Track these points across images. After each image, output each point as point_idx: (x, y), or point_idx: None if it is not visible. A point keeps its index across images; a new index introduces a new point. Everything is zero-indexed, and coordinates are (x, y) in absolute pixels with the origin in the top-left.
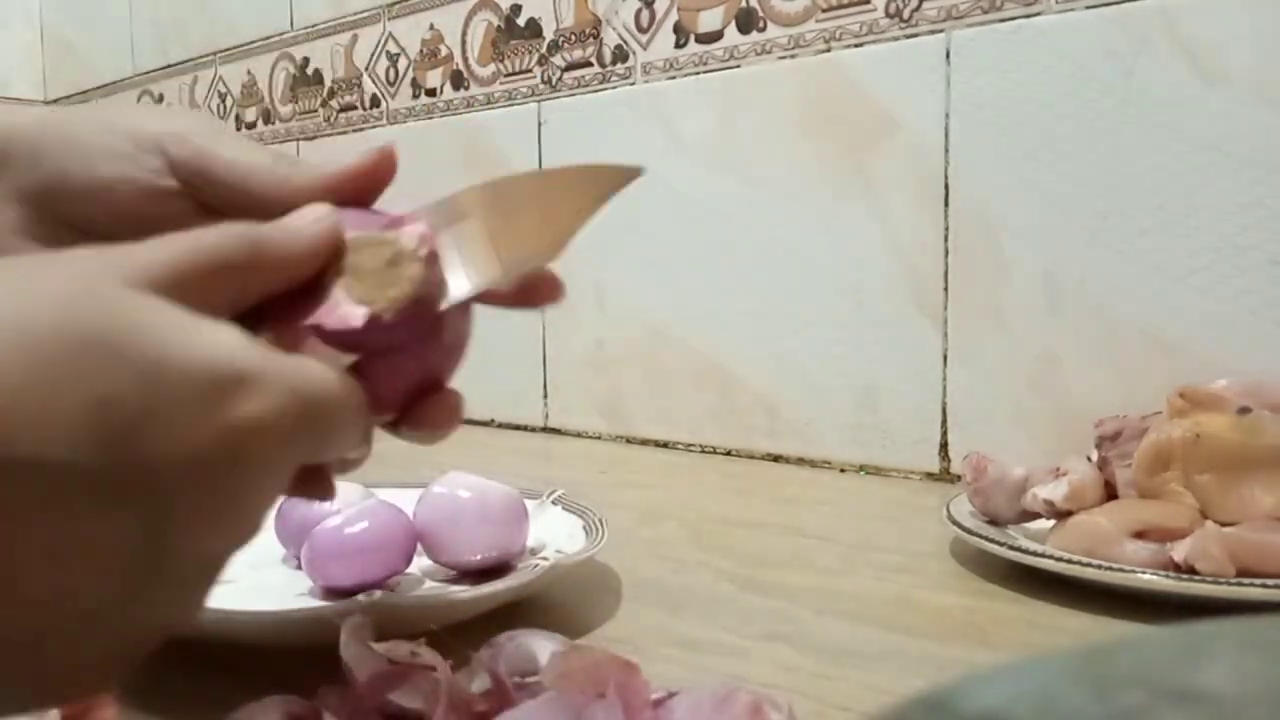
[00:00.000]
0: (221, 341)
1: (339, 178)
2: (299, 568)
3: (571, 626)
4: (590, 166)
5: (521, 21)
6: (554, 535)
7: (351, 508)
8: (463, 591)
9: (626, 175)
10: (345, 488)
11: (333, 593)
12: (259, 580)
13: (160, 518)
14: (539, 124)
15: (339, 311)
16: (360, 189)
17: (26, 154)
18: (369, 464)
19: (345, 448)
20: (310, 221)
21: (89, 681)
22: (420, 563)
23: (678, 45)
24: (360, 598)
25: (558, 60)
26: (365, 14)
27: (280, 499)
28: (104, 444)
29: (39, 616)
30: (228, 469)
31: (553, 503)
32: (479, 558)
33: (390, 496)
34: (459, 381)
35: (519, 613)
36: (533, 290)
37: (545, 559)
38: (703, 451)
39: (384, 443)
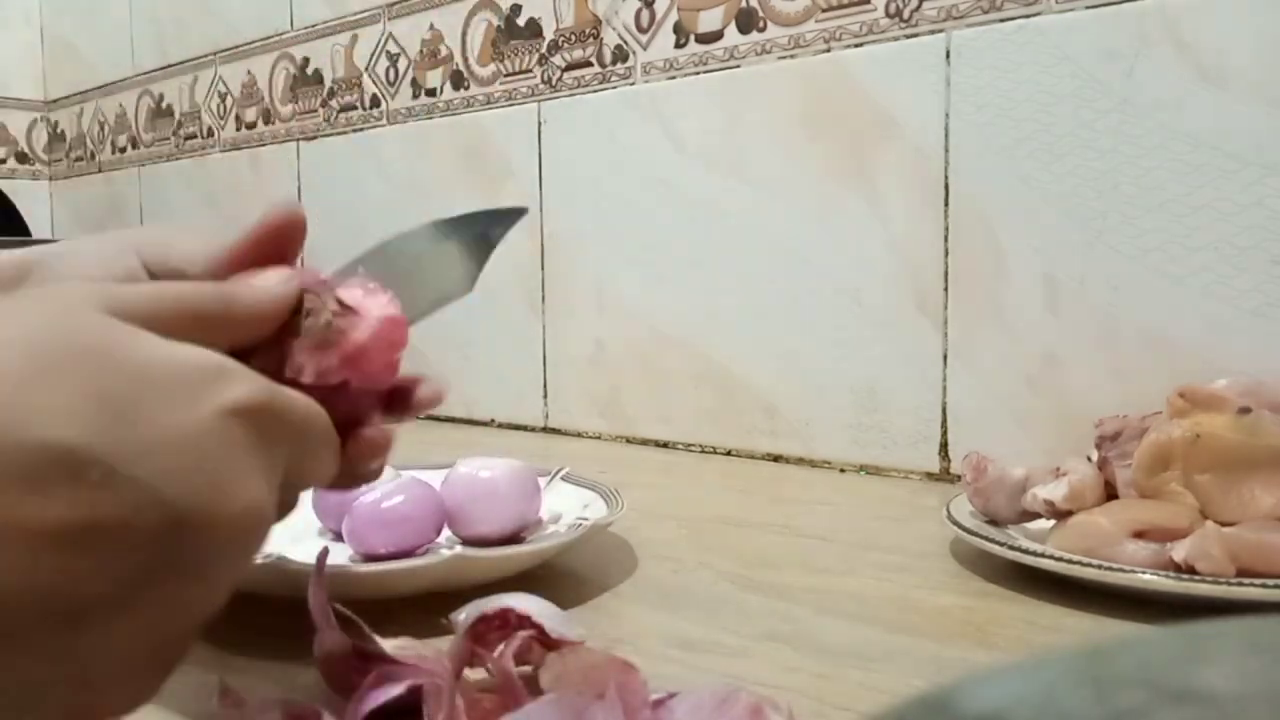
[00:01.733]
0: (197, 349)
1: (257, 240)
2: (336, 539)
3: (571, 627)
4: (480, 212)
5: (521, 21)
6: (569, 507)
7: (387, 483)
8: (508, 550)
9: (514, 216)
10: None
11: (371, 560)
12: (301, 552)
13: (163, 502)
14: (539, 124)
15: (294, 363)
16: (279, 246)
17: (40, 269)
18: (396, 448)
19: (319, 460)
20: (275, 283)
21: (124, 687)
22: (444, 534)
23: (678, 45)
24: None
25: (558, 60)
26: (365, 14)
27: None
28: (106, 427)
29: (62, 603)
30: (220, 451)
31: (562, 479)
32: (499, 530)
33: (417, 476)
34: (460, 381)
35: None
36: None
37: (580, 521)
38: (703, 451)
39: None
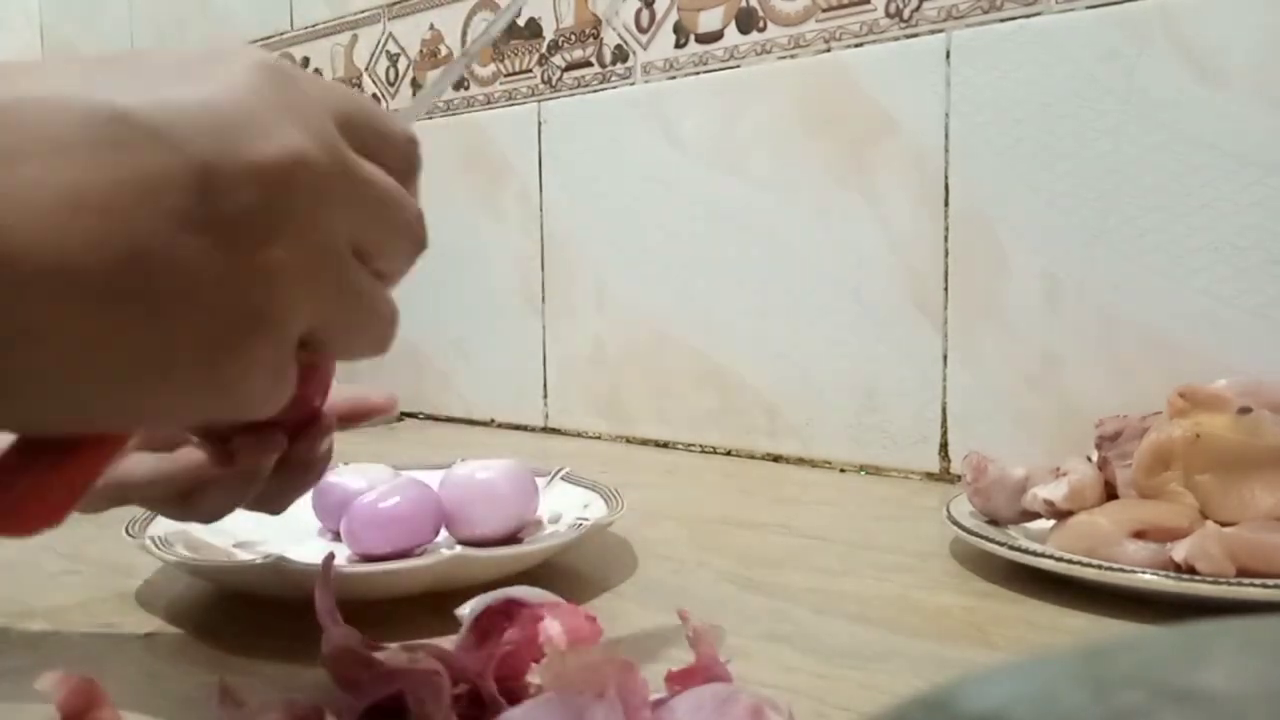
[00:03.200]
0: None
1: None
2: (335, 539)
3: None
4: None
5: (521, 21)
6: (569, 507)
7: (385, 484)
8: (508, 550)
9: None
10: (377, 468)
11: (369, 560)
12: (301, 551)
13: (187, 152)
14: (539, 124)
15: None
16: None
17: None
18: (394, 448)
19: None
20: None
21: (201, 368)
22: (442, 535)
23: (678, 45)
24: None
25: (558, 60)
26: (365, 14)
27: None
28: (144, 91)
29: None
30: (250, 100)
31: (562, 479)
32: (497, 530)
33: (416, 477)
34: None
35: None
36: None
37: (580, 522)
38: (703, 451)
39: (391, 439)
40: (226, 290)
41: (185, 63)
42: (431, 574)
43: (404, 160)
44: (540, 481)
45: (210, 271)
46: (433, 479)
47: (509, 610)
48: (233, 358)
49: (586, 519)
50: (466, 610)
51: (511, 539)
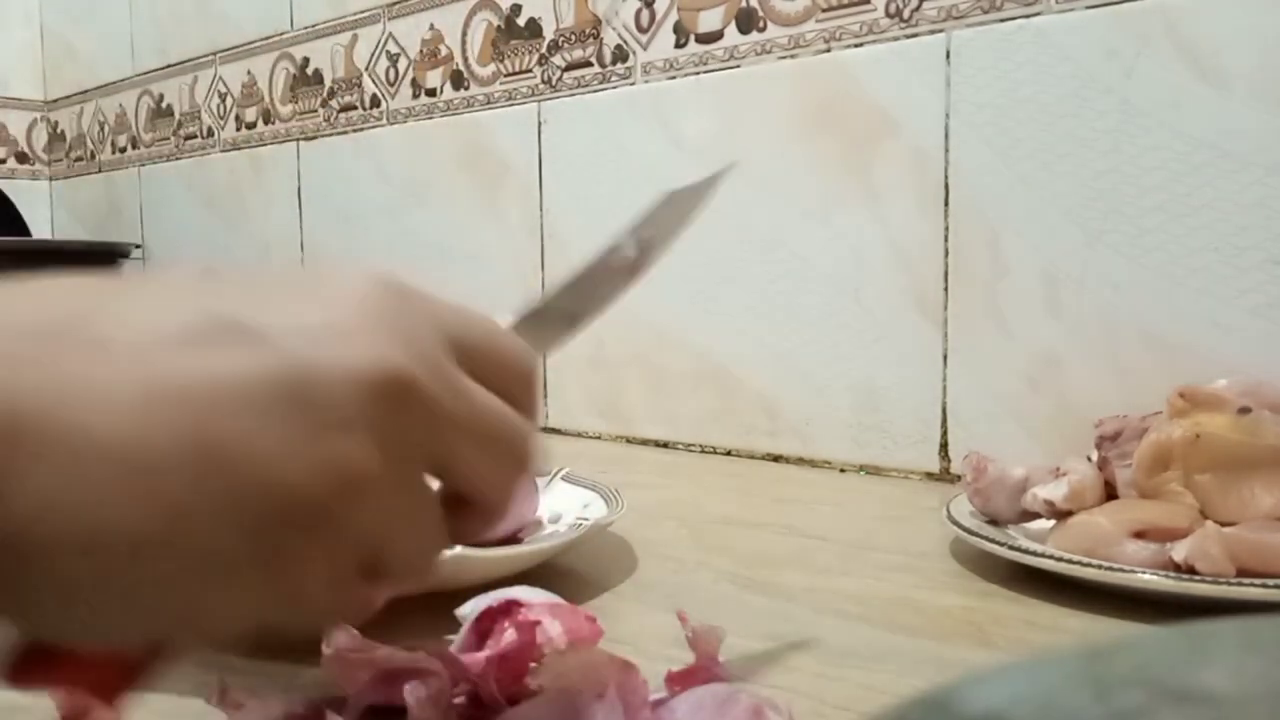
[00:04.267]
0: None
1: None
2: None
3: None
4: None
5: (521, 21)
6: (569, 507)
7: None
8: (508, 550)
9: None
10: None
11: None
12: None
13: (283, 350)
14: (539, 124)
15: None
16: None
17: None
18: None
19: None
20: None
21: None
22: None
23: (678, 45)
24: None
25: (558, 60)
26: (365, 14)
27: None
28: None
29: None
30: (357, 311)
31: (562, 479)
32: (496, 531)
33: None
34: None
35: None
36: None
37: (580, 522)
38: (703, 451)
39: None
40: (295, 484)
41: (298, 279)
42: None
43: (520, 386)
44: (540, 481)
45: (283, 466)
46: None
47: (509, 610)
48: (288, 557)
49: (587, 519)
50: (467, 610)
51: (511, 539)
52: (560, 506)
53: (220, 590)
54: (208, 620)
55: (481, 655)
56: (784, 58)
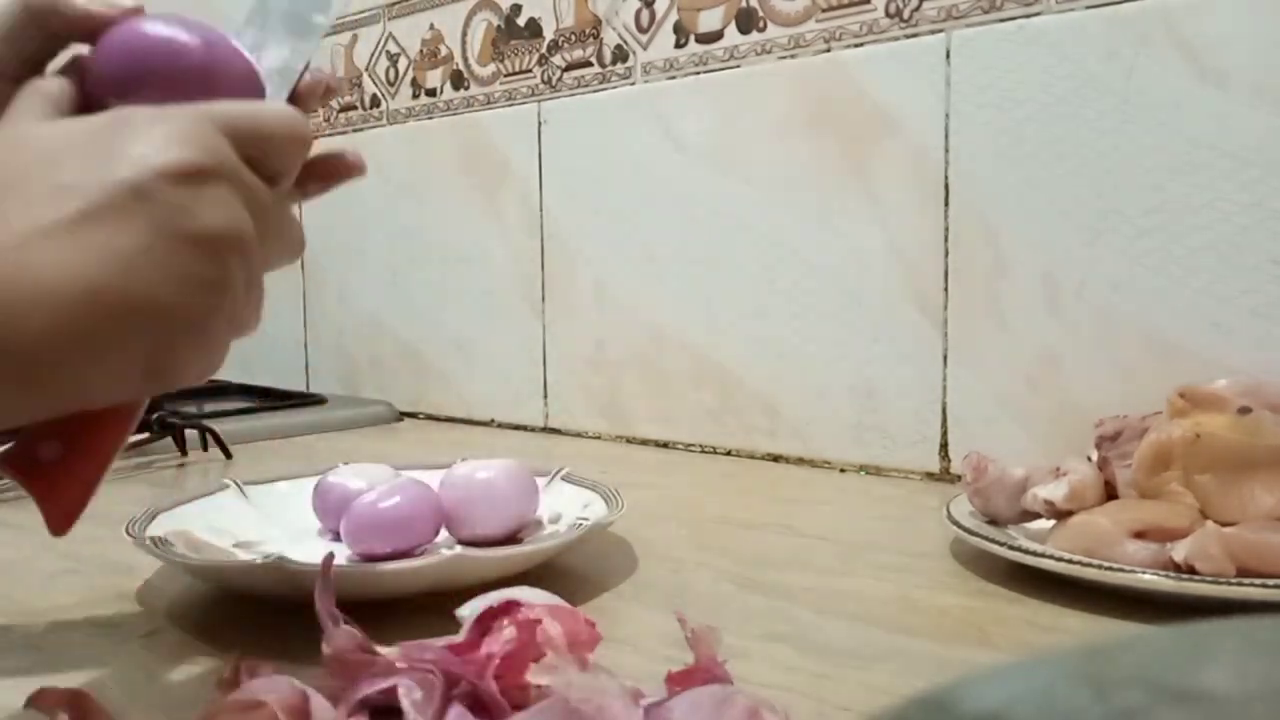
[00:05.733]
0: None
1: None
2: (335, 539)
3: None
4: None
5: (521, 21)
6: (569, 507)
7: (385, 484)
8: (509, 550)
9: None
10: (377, 468)
11: (369, 560)
12: (301, 551)
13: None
14: (539, 124)
15: None
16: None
17: None
18: (395, 448)
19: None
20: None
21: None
22: (442, 535)
23: (678, 45)
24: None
25: (558, 60)
26: (365, 14)
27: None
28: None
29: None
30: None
31: (562, 479)
32: (497, 531)
33: (416, 477)
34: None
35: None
36: (333, 168)
37: (580, 522)
38: (703, 451)
39: (391, 439)
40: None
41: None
42: (432, 574)
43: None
44: (540, 481)
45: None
46: (433, 479)
47: (509, 610)
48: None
49: (586, 519)
50: (466, 611)
51: (511, 539)
52: (560, 506)
53: (178, 334)
54: (171, 362)
55: (481, 654)
56: (784, 58)
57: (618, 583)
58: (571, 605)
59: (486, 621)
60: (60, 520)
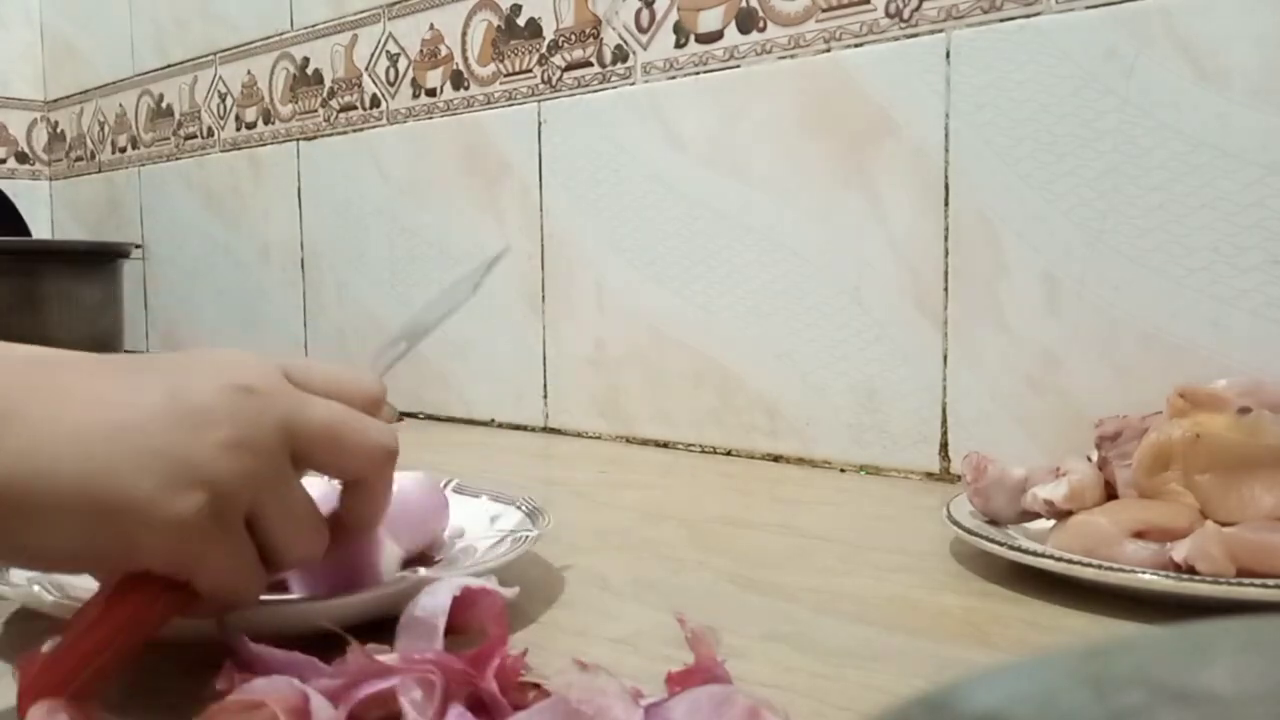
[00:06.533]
0: None
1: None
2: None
3: (571, 626)
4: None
5: (521, 21)
6: (470, 521)
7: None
8: (456, 574)
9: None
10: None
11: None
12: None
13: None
14: (539, 124)
15: None
16: None
17: None
18: None
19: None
20: None
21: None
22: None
23: (678, 45)
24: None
25: (558, 60)
26: (365, 14)
27: None
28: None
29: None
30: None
31: (452, 490)
32: (408, 549)
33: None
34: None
35: (514, 609)
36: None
37: (523, 535)
38: (703, 451)
39: None
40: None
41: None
42: (376, 603)
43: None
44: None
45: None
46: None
47: (474, 600)
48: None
49: (514, 531)
50: (418, 612)
51: (422, 558)
52: (460, 521)
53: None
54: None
55: (481, 655)
56: (784, 58)
57: (618, 583)
58: (569, 605)
59: (458, 618)
60: (23, 698)
